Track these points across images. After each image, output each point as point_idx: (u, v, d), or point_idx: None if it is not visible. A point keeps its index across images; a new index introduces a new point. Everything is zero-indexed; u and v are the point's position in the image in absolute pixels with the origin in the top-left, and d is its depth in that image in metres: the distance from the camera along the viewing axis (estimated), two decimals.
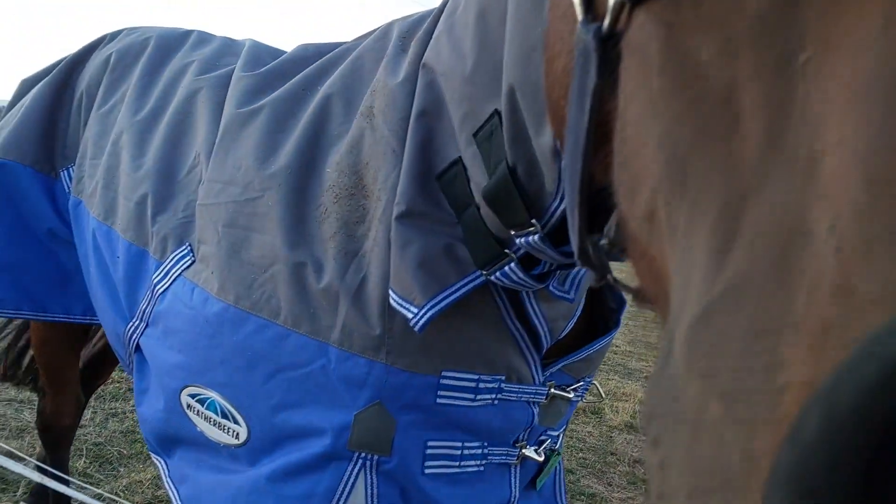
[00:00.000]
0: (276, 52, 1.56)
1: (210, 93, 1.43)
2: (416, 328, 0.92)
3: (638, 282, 0.51)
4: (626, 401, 5.13)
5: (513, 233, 0.84)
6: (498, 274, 0.90)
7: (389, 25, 1.25)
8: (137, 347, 1.36)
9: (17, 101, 1.90)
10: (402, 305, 0.94)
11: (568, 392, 1.16)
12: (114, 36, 1.90)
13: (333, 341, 1.03)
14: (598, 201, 0.57)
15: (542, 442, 1.21)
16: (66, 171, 1.75)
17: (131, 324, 1.36)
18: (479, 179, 0.87)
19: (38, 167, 1.74)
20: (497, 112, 0.82)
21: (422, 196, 0.93)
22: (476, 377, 1.03)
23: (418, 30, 1.14)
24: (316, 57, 1.38)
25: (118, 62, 1.73)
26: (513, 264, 0.88)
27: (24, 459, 2.28)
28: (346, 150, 1.09)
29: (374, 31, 1.30)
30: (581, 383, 1.20)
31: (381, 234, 1.00)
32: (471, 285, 0.93)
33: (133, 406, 3.51)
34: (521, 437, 1.15)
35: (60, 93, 1.81)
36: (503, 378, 1.06)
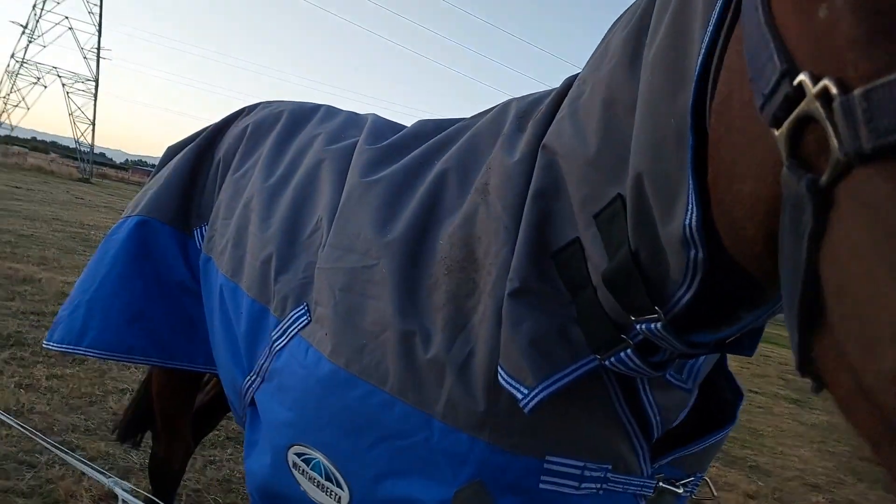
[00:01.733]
0: (397, 127, 1.64)
1: (334, 163, 1.51)
2: (526, 409, 0.90)
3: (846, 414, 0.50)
4: (730, 491, 4.84)
5: (633, 318, 0.83)
6: (613, 359, 0.88)
7: (507, 104, 1.29)
8: (252, 401, 1.40)
9: (163, 165, 2.08)
10: (511, 384, 0.92)
11: (677, 487, 1.10)
12: (251, 109, 2.07)
13: (437, 414, 1.02)
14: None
15: None
16: (199, 230, 1.88)
17: (249, 378, 1.41)
18: (598, 261, 0.87)
19: (175, 225, 1.88)
20: (620, 196, 0.83)
21: (536, 274, 0.93)
22: (581, 464, 1.00)
23: (535, 110, 1.17)
24: (435, 132, 1.44)
25: (253, 132, 1.87)
26: (629, 350, 0.86)
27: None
28: (459, 224, 1.11)
29: (492, 109, 1.34)
30: (692, 478, 1.14)
31: (491, 309, 1.00)
32: (584, 369, 0.91)
33: (230, 454, 3.61)
34: None
35: (201, 159, 1.97)
36: (609, 467, 1.01)
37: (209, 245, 1.77)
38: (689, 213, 0.71)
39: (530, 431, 0.98)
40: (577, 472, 1.00)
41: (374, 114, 1.79)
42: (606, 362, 0.89)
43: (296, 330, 1.30)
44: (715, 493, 1.47)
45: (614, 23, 0.99)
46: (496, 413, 0.98)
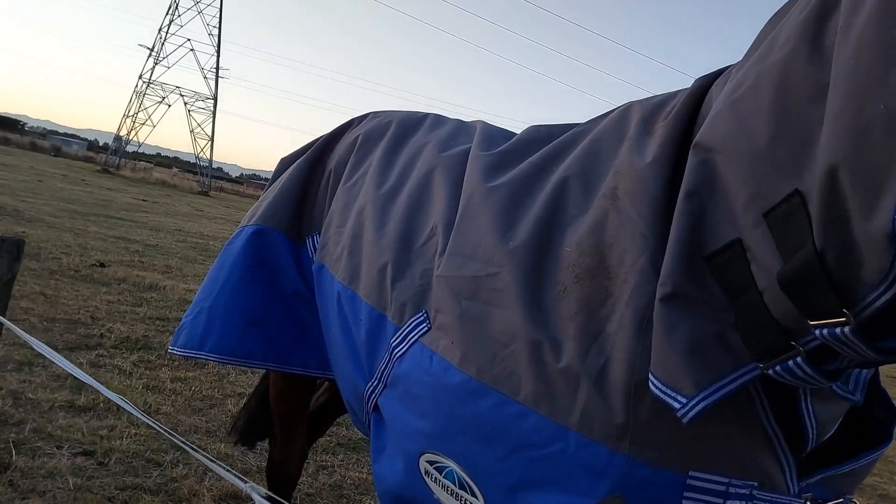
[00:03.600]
0: (508, 134, 1.63)
1: (446, 170, 1.53)
2: (685, 419, 0.86)
3: None
4: None
5: (812, 323, 0.77)
6: (778, 368, 0.82)
7: (628, 108, 1.26)
8: (375, 407, 1.43)
9: (277, 176, 2.16)
10: (666, 394, 0.88)
11: None
12: (360, 119, 2.12)
13: (573, 425, 1.00)
14: None
15: None
16: (311, 239, 1.94)
17: (371, 383, 1.44)
18: (768, 262, 0.81)
19: (289, 234, 1.95)
20: (798, 192, 0.77)
21: (690, 278, 0.88)
22: (726, 481, 0.95)
23: (662, 112, 1.14)
24: (547, 138, 1.42)
25: (364, 142, 1.91)
26: (800, 359, 0.80)
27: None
28: (587, 231, 1.08)
29: (610, 112, 1.31)
30: (841, 500, 1.06)
31: (628, 318, 0.97)
32: (746, 377, 0.85)
33: (341, 460, 3.68)
34: None
35: (313, 169, 2.03)
36: (756, 484, 0.96)
37: (322, 253, 1.82)
38: None
39: (672, 445, 0.95)
40: (722, 488, 0.95)
41: (482, 121, 1.79)
42: (771, 371, 0.83)
43: (416, 336, 1.31)
44: None
45: (775, 15, 0.94)
46: (637, 425, 0.95)
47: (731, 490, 0.95)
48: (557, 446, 1.02)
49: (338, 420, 3.03)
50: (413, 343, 1.31)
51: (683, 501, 0.95)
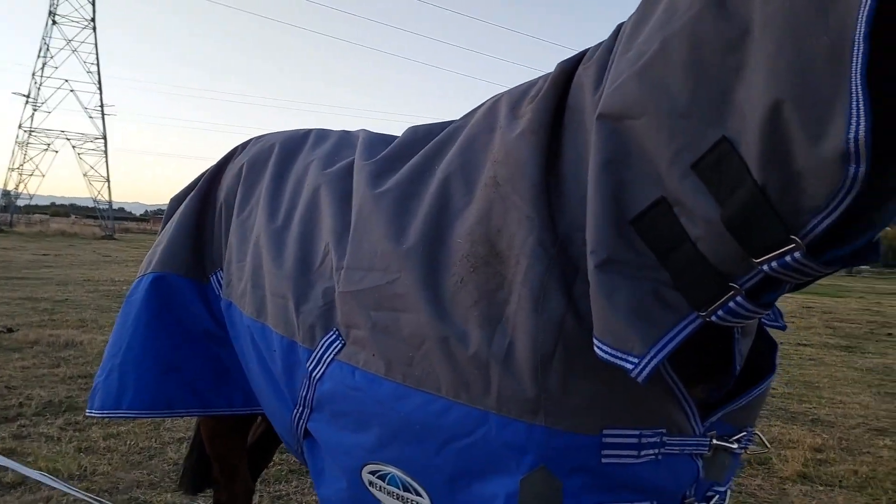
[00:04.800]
0: (389, 139, 1.65)
1: (331, 187, 1.54)
2: (640, 378, 0.89)
3: None
4: (795, 448, 4.76)
5: (758, 260, 0.80)
6: (721, 312, 0.86)
7: (496, 99, 1.31)
8: (306, 433, 1.43)
9: (169, 217, 2.11)
10: (616, 357, 0.91)
11: (731, 443, 1.12)
12: (243, 147, 2.09)
13: (491, 408, 1.05)
14: None
15: (710, 498, 1.17)
16: (214, 276, 1.91)
17: (296, 411, 1.44)
18: (702, 211, 0.84)
19: (191, 275, 1.92)
20: (725, 138, 0.80)
21: (619, 243, 0.91)
22: (637, 433, 1.01)
23: (527, 98, 1.19)
24: (426, 137, 1.46)
25: (249, 171, 1.89)
26: (740, 297, 0.84)
27: None
28: (475, 221, 1.13)
29: (481, 106, 1.36)
30: (744, 433, 1.15)
31: (525, 297, 1.02)
32: (690, 328, 0.89)
33: (296, 487, 3.63)
34: (688, 492, 1.12)
35: (204, 205, 2.00)
36: (664, 431, 1.03)
37: (228, 290, 1.80)
38: (853, 126, 0.69)
39: (585, 409, 1.00)
40: (635, 440, 1.01)
41: (364, 129, 1.81)
42: (713, 317, 0.87)
43: (331, 356, 1.33)
44: (768, 446, 1.47)
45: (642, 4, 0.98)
46: (548, 396, 1.00)
47: (644, 440, 1.02)
48: (481, 431, 1.06)
49: (283, 447, 2.99)
50: (330, 363, 1.33)
51: (603, 459, 1.01)
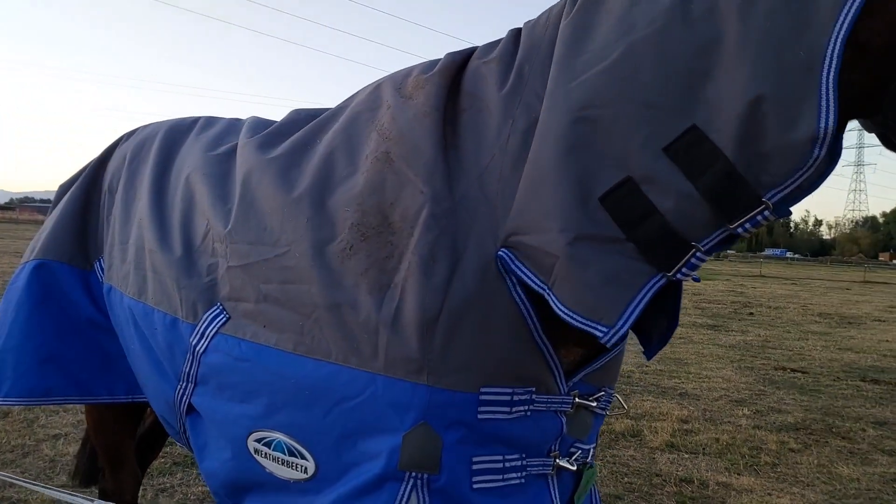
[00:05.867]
0: (273, 122, 1.69)
1: (211, 168, 1.58)
2: (609, 344, 1.01)
3: None
4: (664, 420, 5.12)
5: (732, 225, 0.97)
6: (684, 269, 1.01)
7: (379, 84, 1.40)
8: (189, 409, 1.46)
9: (56, 204, 2.06)
10: (588, 325, 1.02)
11: (591, 401, 1.25)
12: (130, 134, 2.07)
13: (379, 370, 1.13)
14: None
15: (573, 453, 1.28)
16: (98, 263, 1.89)
17: (179, 387, 1.47)
18: (678, 187, 0.98)
19: (74, 262, 1.89)
20: (696, 126, 0.97)
21: (587, 220, 1.02)
22: (510, 391, 1.13)
23: (409, 81, 1.29)
24: (308, 119, 1.53)
25: (134, 157, 1.89)
26: (699, 254, 1.00)
27: None
28: (367, 192, 1.20)
29: (364, 90, 1.45)
30: (602, 393, 1.28)
31: (415, 264, 1.11)
32: (655, 288, 1.02)
33: (181, 479, 3.58)
34: (553, 447, 1.24)
35: (89, 192, 1.97)
36: (534, 389, 1.15)
37: (109, 274, 1.80)
38: (823, 117, 0.89)
39: (464, 368, 1.10)
40: (508, 398, 1.13)
41: (253, 116, 1.84)
42: (678, 275, 1.01)
43: (214, 329, 1.37)
44: (625, 406, 1.64)
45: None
46: (431, 357, 1.10)
47: (515, 398, 1.13)
48: (368, 392, 1.14)
49: (170, 440, 2.95)
50: (213, 336, 1.37)
51: (479, 415, 1.12)
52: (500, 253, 1.10)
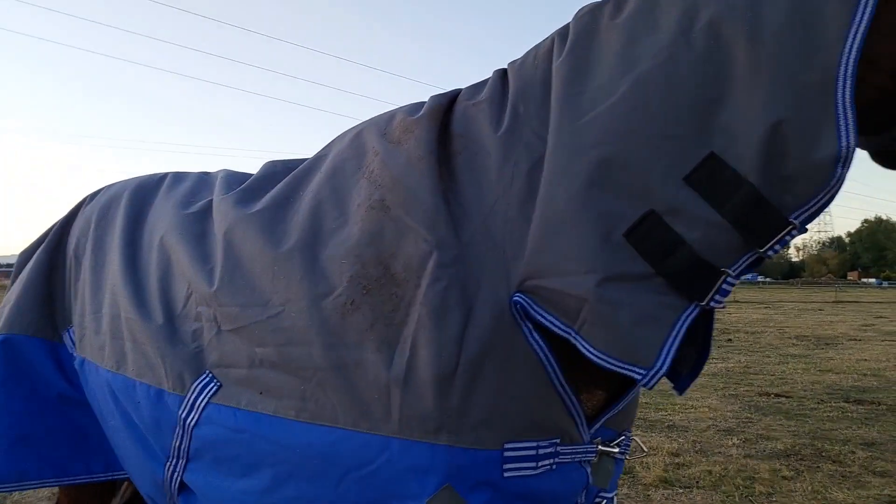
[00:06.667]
0: (249, 176, 1.62)
1: (187, 228, 1.50)
2: (649, 386, 0.97)
3: None
4: (655, 454, 5.05)
5: (765, 247, 0.96)
6: (717, 297, 0.98)
7: (359, 130, 1.35)
8: (182, 487, 1.36)
9: (18, 273, 1.95)
10: (624, 368, 0.97)
11: (613, 447, 1.19)
12: (93, 196, 1.96)
13: (393, 432, 1.06)
14: None
15: None
16: (67, 333, 1.78)
17: (169, 464, 1.36)
18: (704, 215, 0.96)
19: (40, 335, 1.77)
20: (713, 154, 0.96)
21: (614, 258, 0.98)
22: (535, 444, 1.06)
23: (393, 126, 1.25)
24: (285, 171, 1.47)
25: (100, 219, 1.79)
26: (730, 278, 0.98)
27: None
28: (364, 242, 1.14)
29: (342, 136, 1.40)
30: (622, 437, 1.23)
31: (426, 316, 1.05)
32: (689, 320, 0.98)
33: None
34: (579, 500, 1.18)
35: (53, 259, 1.86)
36: (558, 441, 1.09)
37: (82, 345, 1.69)
38: (843, 137, 0.90)
39: (485, 424, 1.04)
40: (533, 452, 1.06)
41: (224, 169, 1.77)
42: (712, 303, 0.98)
43: (205, 399, 1.28)
44: (645, 449, 1.58)
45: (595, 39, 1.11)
46: (449, 414, 1.03)
47: (540, 451, 1.06)
48: (383, 457, 1.06)
49: None
50: (204, 406, 1.28)
51: (504, 473, 1.04)
52: (515, 298, 1.04)
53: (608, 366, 0.99)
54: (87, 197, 1.99)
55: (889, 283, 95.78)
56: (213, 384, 1.28)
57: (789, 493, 4.33)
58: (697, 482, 4.52)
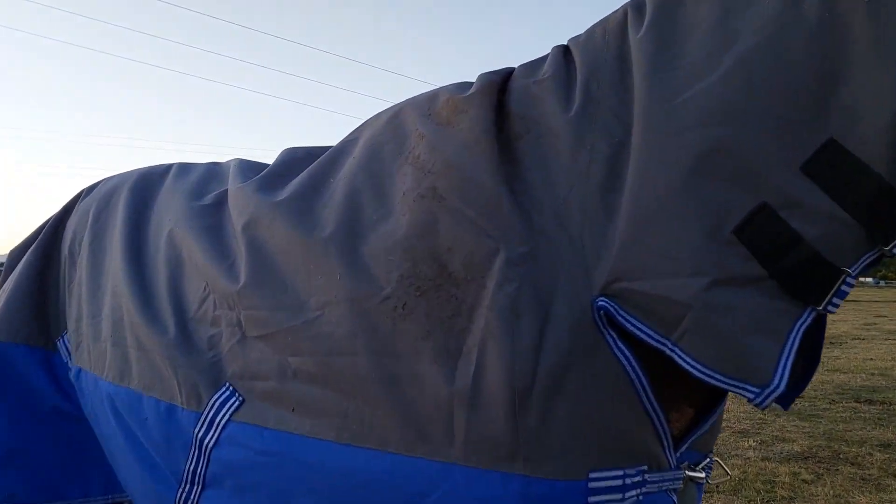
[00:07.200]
0: (264, 165, 1.46)
1: (199, 220, 1.33)
2: (763, 405, 0.83)
3: None
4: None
5: (890, 245, 0.83)
6: (835, 300, 0.84)
7: (397, 111, 1.20)
8: None
9: (8, 273, 1.76)
10: (735, 385, 0.84)
11: (699, 471, 1.05)
12: (91, 189, 1.78)
13: (457, 458, 0.90)
14: None
15: None
16: (62, 340, 1.60)
17: (181, 490, 1.19)
18: (824, 208, 0.83)
19: (31, 342, 1.59)
20: (833, 140, 0.82)
21: (723, 258, 0.84)
22: (622, 473, 0.91)
23: (437, 106, 1.10)
24: (308, 157, 1.31)
25: (99, 213, 1.61)
26: (850, 279, 0.84)
27: None
28: (415, 236, 1.00)
29: (372, 121, 1.25)
30: (707, 460, 1.08)
31: (495, 322, 0.90)
32: (804, 326, 0.84)
33: None
34: None
35: (47, 258, 1.68)
36: (645, 468, 0.94)
37: (78, 354, 1.51)
38: None
39: (566, 449, 0.89)
40: (619, 482, 0.91)
41: (237, 158, 1.59)
42: (829, 307, 0.84)
43: (226, 417, 1.12)
44: (729, 473, 1.42)
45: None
46: (525, 437, 0.87)
47: (627, 480, 0.92)
48: (444, 487, 0.91)
49: None
50: (225, 424, 1.12)
51: None
52: (599, 303, 0.89)
53: (714, 382, 0.84)
54: (84, 190, 1.81)
55: (886, 283, 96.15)
56: (234, 399, 1.12)
57: (812, 498, 4.21)
58: (717, 486, 4.38)
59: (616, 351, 0.89)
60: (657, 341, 0.87)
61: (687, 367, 0.85)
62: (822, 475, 4.66)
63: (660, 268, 0.86)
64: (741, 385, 0.83)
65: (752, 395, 0.83)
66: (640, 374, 0.90)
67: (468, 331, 0.92)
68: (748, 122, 0.86)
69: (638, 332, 0.88)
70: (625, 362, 0.89)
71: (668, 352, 0.86)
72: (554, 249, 0.92)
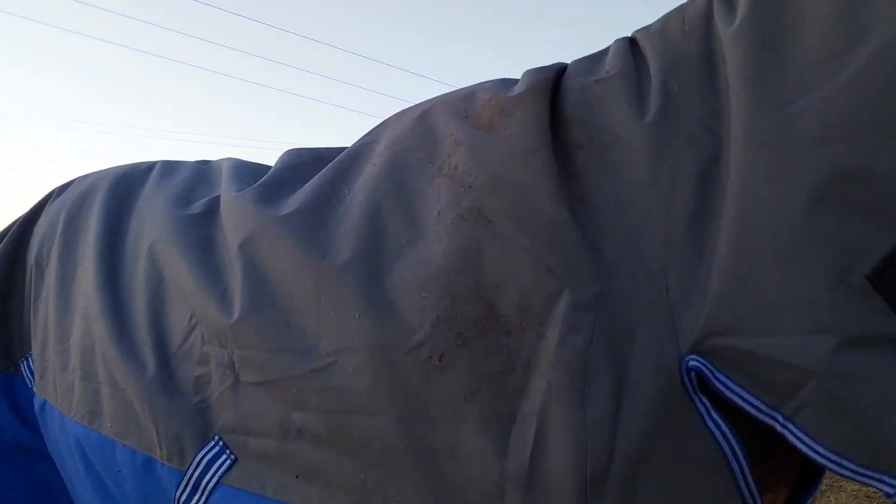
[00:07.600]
0: (263, 168, 1.28)
1: (182, 232, 1.14)
2: None
3: None
4: None
5: None
6: None
7: (426, 108, 1.03)
8: None
9: None
10: (870, 477, 0.66)
11: None
12: (63, 188, 1.55)
13: None
14: None
15: None
16: (25, 363, 1.39)
17: None
18: None
19: None
20: None
21: (855, 311, 0.66)
22: None
23: (476, 105, 0.94)
24: (316, 162, 1.14)
25: (71, 219, 1.39)
26: None
27: None
28: (455, 268, 0.82)
29: (394, 120, 1.09)
30: None
31: (560, 384, 0.73)
32: None
33: None
34: None
35: (9, 267, 1.47)
36: None
37: (43, 384, 1.30)
38: None
39: None
40: None
41: (230, 157, 1.40)
42: None
43: (214, 479, 0.94)
44: None
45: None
46: None
47: None
48: None
49: None
50: (212, 490, 0.94)
51: None
52: (690, 362, 0.71)
53: (840, 470, 0.67)
54: (54, 190, 1.57)
55: None
56: (225, 457, 0.93)
57: None
58: None
59: (710, 423, 0.72)
60: (766, 414, 0.70)
61: (803, 447, 0.68)
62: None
63: (771, 321, 0.69)
64: (877, 476, 0.66)
65: (891, 490, 0.66)
66: (740, 452, 0.73)
67: (524, 393, 0.75)
68: (886, 137, 0.69)
69: (740, 402, 0.70)
70: (720, 438, 0.73)
71: (778, 427, 0.69)
72: (630, 291, 0.75)
